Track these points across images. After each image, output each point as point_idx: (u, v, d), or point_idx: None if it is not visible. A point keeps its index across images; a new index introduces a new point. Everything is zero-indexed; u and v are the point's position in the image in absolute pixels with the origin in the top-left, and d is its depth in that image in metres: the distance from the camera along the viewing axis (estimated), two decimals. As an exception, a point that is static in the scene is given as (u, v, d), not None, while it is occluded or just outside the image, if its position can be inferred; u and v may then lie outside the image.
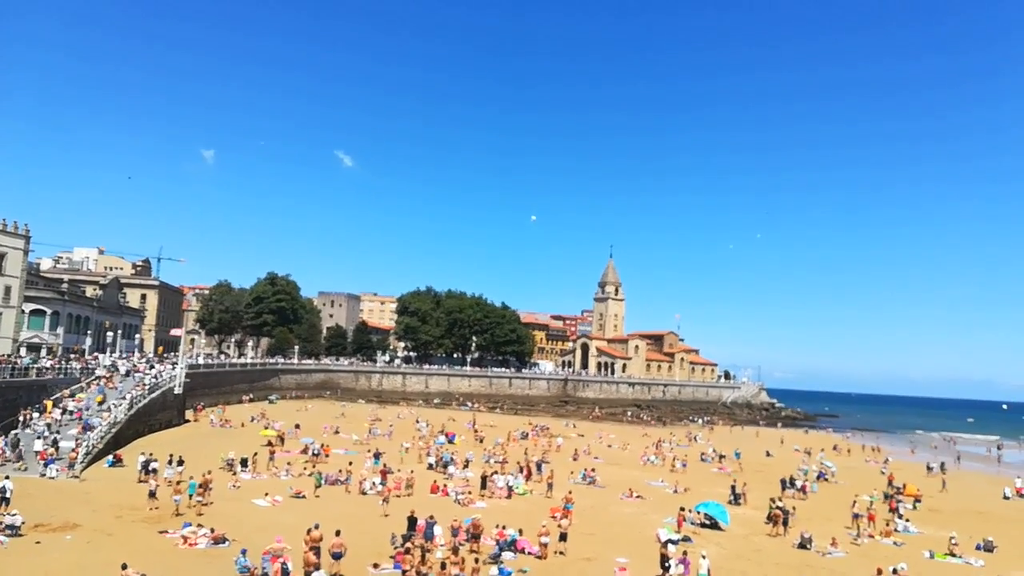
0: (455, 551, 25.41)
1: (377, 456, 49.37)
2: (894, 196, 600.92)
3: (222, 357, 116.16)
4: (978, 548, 34.59)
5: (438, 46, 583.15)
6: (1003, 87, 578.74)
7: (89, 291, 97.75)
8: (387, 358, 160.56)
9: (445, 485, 41.98)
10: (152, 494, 32.05)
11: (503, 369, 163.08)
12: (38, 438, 42.02)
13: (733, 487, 45.37)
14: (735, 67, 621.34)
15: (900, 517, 40.90)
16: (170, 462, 40.15)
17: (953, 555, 32.75)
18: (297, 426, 65.94)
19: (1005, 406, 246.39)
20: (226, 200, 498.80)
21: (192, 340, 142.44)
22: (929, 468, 66.25)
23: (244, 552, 23.86)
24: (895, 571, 24.94)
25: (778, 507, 36.93)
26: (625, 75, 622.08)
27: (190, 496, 32.71)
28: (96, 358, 69.99)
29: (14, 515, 27.14)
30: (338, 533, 24.35)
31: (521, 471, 47.54)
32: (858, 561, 30.56)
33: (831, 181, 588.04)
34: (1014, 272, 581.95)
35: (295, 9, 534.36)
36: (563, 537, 29.22)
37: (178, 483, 33.00)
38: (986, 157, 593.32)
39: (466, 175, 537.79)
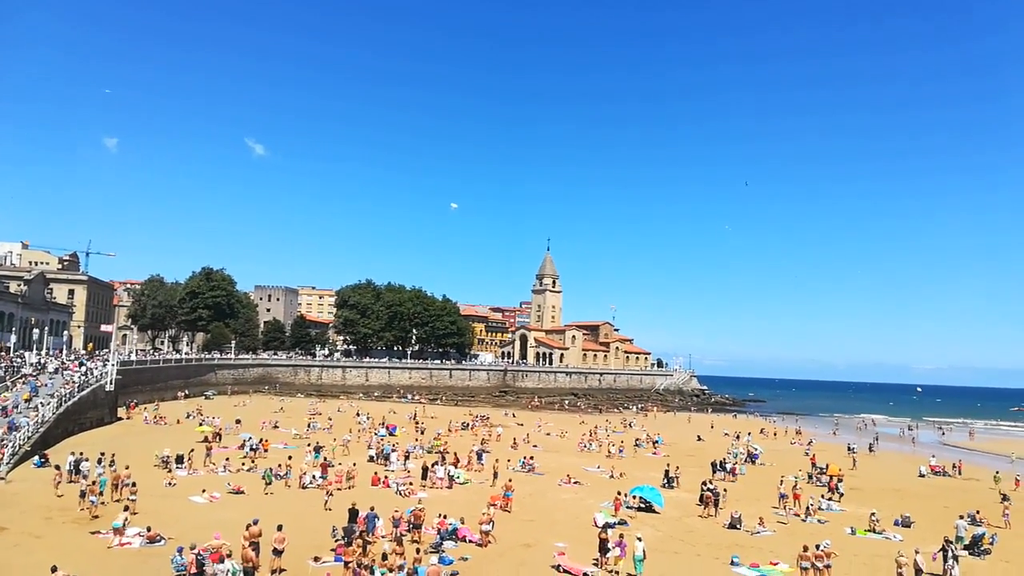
0: (398, 541, 25.73)
1: (317, 450, 49.13)
2: (815, 188, 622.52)
3: (156, 353, 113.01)
4: (896, 524, 36.56)
5: (368, 23, 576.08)
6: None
7: (13, 287, 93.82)
8: (326, 352, 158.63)
9: (386, 477, 42.13)
10: (83, 494, 31.28)
11: (443, 361, 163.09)
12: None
13: (667, 471, 46.85)
14: (668, 59, 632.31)
15: (839, 497, 43.05)
16: (100, 461, 39.22)
17: (874, 531, 34.56)
18: (238, 421, 64.95)
19: (919, 389, 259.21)
20: (155, 192, 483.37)
21: (124, 336, 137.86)
22: (850, 449, 69.40)
23: (180, 550, 23.57)
24: (819, 547, 26.27)
25: (709, 489, 38.39)
26: (562, 63, 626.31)
27: (100, 494, 31.76)
28: (22, 356, 67.43)
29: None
30: (280, 528, 24.31)
31: (458, 463, 47.86)
32: (785, 539, 31.96)
33: (755, 173, 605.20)
34: (928, 260, 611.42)
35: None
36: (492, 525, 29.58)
37: (92, 483, 32.18)
38: (900, 142, 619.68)
39: (404, 167, 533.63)
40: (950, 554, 26.64)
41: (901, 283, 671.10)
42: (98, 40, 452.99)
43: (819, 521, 36.75)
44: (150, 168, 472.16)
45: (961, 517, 34.28)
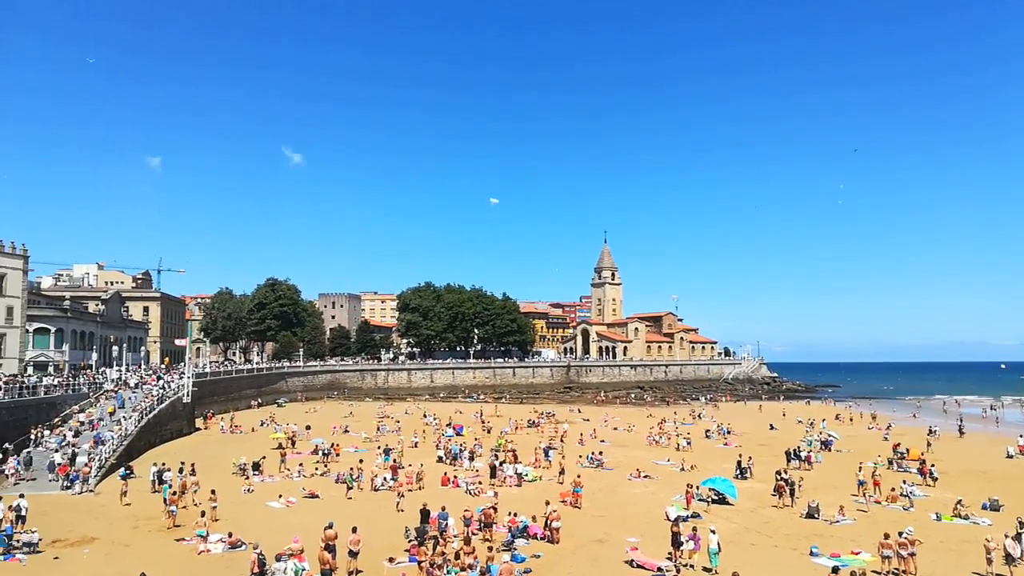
0: (468, 541, 25.88)
1: (387, 452, 49.89)
2: (886, 165, 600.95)
3: (228, 364, 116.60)
4: (984, 508, 35.05)
5: (417, 35, 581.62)
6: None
7: (91, 307, 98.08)
8: (391, 355, 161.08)
9: (455, 477, 42.48)
10: (167, 503, 32.49)
11: (506, 359, 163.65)
12: (56, 451, 42.52)
13: (739, 462, 45.92)
14: (726, 41, 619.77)
15: (933, 481, 41.69)
16: (181, 470, 40.62)
17: (960, 516, 33.21)
18: (308, 427, 66.48)
19: (1003, 366, 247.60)
20: (214, 208, 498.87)
21: (197, 349, 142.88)
22: (931, 431, 66.82)
23: (281, 557, 24.17)
24: (902, 534, 25.33)
25: (784, 479, 37.46)
26: (613, 53, 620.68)
27: (164, 501, 32.86)
28: (103, 372, 70.43)
29: (32, 532, 27.49)
30: (354, 530, 24.72)
31: (516, 460, 47.81)
32: (866, 527, 30.98)
33: (820, 152, 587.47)
34: (1005, 235, 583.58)
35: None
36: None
37: (172, 493, 33.33)
38: (977, 125, 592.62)
39: (458, 169, 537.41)
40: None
41: (976, 256, 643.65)
42: (131, 63, 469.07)
43: (903, 508, 35.47)
44: (197, 185, 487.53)
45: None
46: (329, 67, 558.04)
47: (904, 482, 40.70)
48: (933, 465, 44.25)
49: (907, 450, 51.50)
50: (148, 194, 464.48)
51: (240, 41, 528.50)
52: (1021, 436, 58.73)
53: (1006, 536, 25.22)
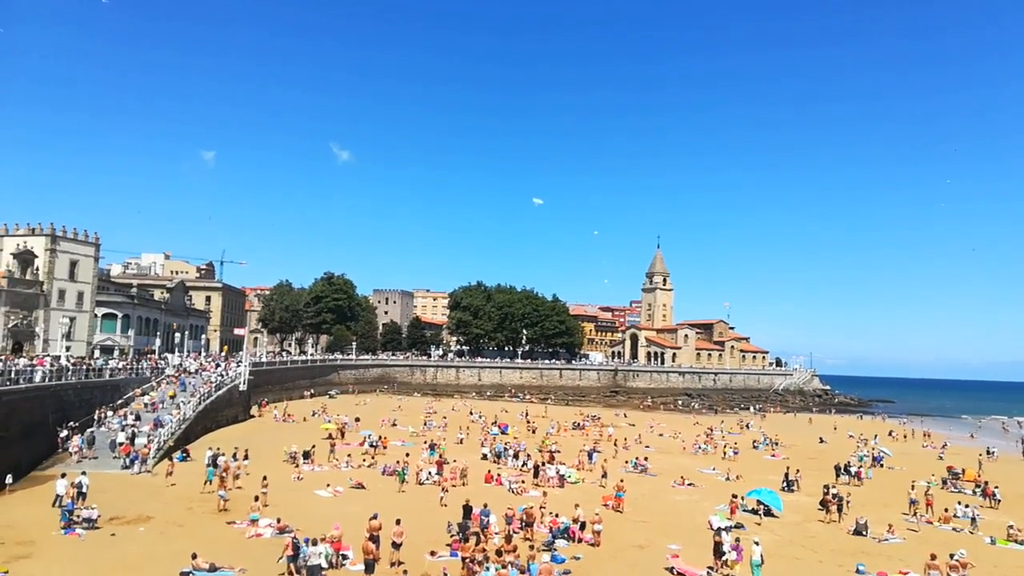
0: (509, 539, 26.19)
1: (432, 447, 50.58)
2: (943, 174, 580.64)
3: (284, 355, 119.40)
4: (1042, 533, 33.91)
5: (473, 36, 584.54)
6: None
7: (157, 295, 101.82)
8: (440, 352, 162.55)
9: (499, 475, 42.86)
10: (215, 485, 33.66)
11: (553, 361, 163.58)
12: (121, 430, 44.35)
13: (786, 474, 45.21)
14: (782, 41, 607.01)
15: (995, 503, 40.85)
16: (235, 456, 41.92)
17: (1016, 541, 32.21)
18: (357, 419, 67.76)
19: None
20: (278, 204, 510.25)
21: (255, 339, 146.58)
22: (989, 453, 64.68)
23: (307, 541, 24.98)
24: (953, 557, 24.72)
25: (832, 494, 36.81)
26: (672, 52, 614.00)
27: (207, 482, 34.83)
28: (165, 358, 73.02)
29: (91, 509, 28.73)
30: (398, 522, 25.25)
31: (552, 460, 48.06)
32: (915, 547, 30.27)
33: (878, 162, 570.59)
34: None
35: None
36: (582, 526, 29.56)
37: (221, 479, 34.53)
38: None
39: (514, 168, 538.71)
40: None
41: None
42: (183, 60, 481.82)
43: (954, 529, 34.55)
44: (257, 180, 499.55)
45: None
46: (382, 66, 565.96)
47: (959, 503, 39.57)
48: (997, 487, 42.96)
49: (962, 470, 49.96)
50: (209, 187, 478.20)
51: (291, 38, 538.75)
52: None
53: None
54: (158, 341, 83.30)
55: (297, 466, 43.56)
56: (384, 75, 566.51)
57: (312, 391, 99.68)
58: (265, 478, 34.55)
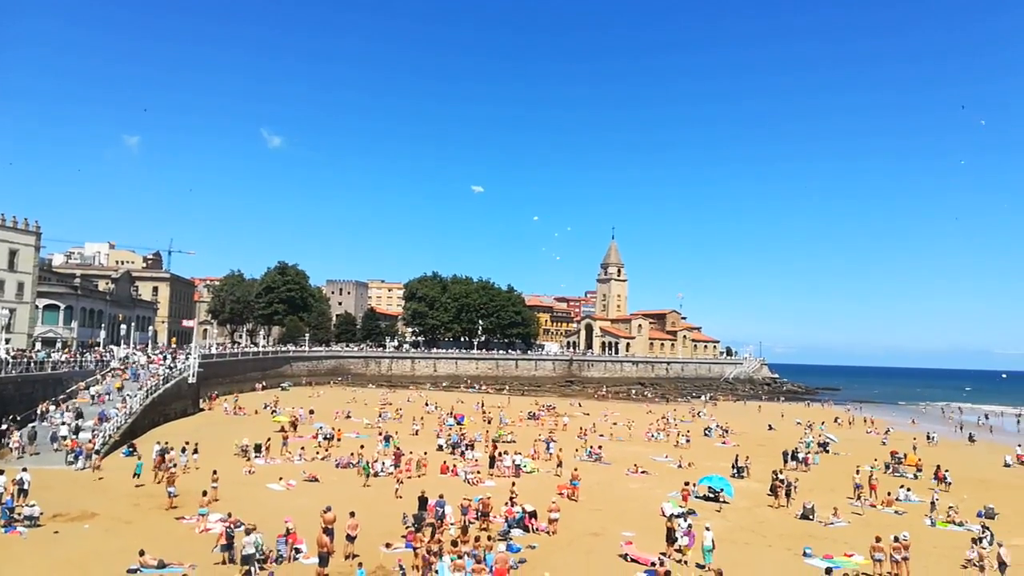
0: (465, 529, 26.17)
1: (388, 439, 50.29)
2: (891, 169, 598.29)
3: (234, 347, 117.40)
4: (979, 515, 35.04)
5: (432, 27, 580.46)
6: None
7: (101, 285, 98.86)
8: (396, 343, 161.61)
9: (455, 465, 42.83)
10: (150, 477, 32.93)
11: (509, 351, 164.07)
12: (63, 424, 43.03)
13: (736, 461, 46.14)
14: (734, 39, 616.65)
15: (946, 487, 42.30)
16: (184, 450, 41.06)
17: (954, 523, 33.37)
18: (311, 411, 66.93)
19: (1004, 375, 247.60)
20: (232, 191, 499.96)
21: (204, 331, 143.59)
22: (929, 438, 67.01)
23: (241, 529, 24.56)
24: (896, 539, 25.52)
25: (780, 479, 37.67)
26: (626, 48, 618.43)
27: (135, 475, 34.63)
28: (111, 350, 71.05)
29: (32, 506, 27.78)
30: (352, 515, 25.03)
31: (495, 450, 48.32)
32: (860, 530, 31.11)
33: (827, 154, 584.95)
34: (1010, 243, 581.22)
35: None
36: (534, 515, 29.74)
37: (171, 473, 33.55)
38: (978, 131, 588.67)
39: (469, 158, 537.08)
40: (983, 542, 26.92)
41: (981, 263, 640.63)
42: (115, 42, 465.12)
43: (896, 512, 35.68)
44: (182, 164, 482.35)
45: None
46: (343, 55, 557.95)
47: (902, 487, 40.88)
48: (947, 471, 44.55)
49: (904, 455, 51.67)
50: (135, 173, 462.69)
51: (221, 24, 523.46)
52: (1020, 445, 58.82)
53: (999, 544, 25.41)
54: (103, 333, 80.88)
55: (249, 460, 42.90)
56: (323, 60, 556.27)
57: (264, 383, 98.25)
58: (215, 472, 33.95)
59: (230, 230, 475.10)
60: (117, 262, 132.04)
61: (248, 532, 23.27)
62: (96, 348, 71.54)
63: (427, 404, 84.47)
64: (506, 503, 30.81)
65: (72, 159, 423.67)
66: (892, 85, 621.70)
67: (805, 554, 27.10)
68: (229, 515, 28.08)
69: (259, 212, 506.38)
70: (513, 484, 35.06)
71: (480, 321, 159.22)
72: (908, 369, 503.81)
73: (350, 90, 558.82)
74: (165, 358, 69.94)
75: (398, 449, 45.19)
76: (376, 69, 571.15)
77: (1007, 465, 53.88)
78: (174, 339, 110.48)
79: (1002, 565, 24.37)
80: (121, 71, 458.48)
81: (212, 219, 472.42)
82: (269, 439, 47.10)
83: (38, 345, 72.00)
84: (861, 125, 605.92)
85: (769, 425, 77.09)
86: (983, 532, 28.38)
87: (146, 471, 36.23)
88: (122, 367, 62.11)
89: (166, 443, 41.27)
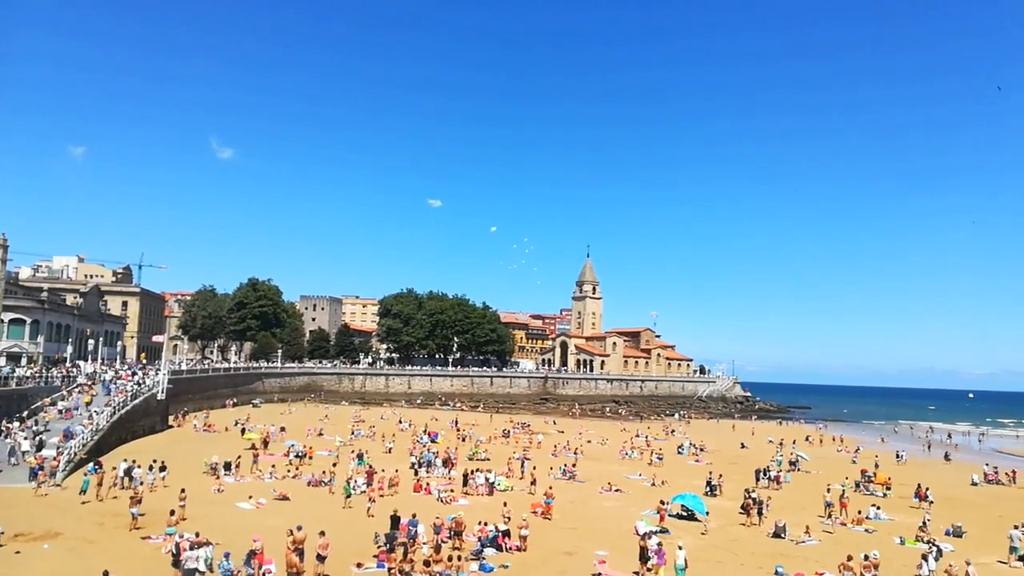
0: (438, 549, 25.98)
1: (361, 457, 49.81)
2: (864, 192, 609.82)
3: (205, 363, 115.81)
4: (947, 533, 35.53)
5: (420, 37, 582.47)
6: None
7: (69, 299, 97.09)
8: (370, 360, 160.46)
9: (428, 484, 42.52)
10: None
11: (484, 368, 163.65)
12: (25, 438, 42.06)
13: (709, 479, 46.35)
14: (710, 60, 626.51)
15: (927, 502, 43.08)
16: (151, 468, 40.31)
17: (923, 541, 33.70)
18: (283, 429, 66.14)
19: (971, 395, 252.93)
20: (207, 205, 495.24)
21: (175, 346, 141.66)
22: (898, 456, 67.92)
23: (227, 556, 24.11)
24: (866, 557, 25.76)
25: (752, 498, 37.89)
26: (602, 66, 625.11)
27: (82, 492, 34.11)
28: (77, 366, 69.75)
29: (-8, 525, 27.07)
30: (322, 534, 24.64)
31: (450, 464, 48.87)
32: (831, 548, 31.36)
33: (798, 174, 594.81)
34: (978, 265, 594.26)
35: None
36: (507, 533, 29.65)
37: (134, 492, 32.78)
38: (945, 153, 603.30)
39: (442, 175, 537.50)
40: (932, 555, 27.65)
41: (948, 285, 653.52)
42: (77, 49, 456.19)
43: (867, 531, 36.01)
44: (129, 176, 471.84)
45: (1016, 527, 33.19)
46: (306, 65, 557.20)
47: (873, 506, 41.24)
48: (928, 488, 45.34)
49: (874, 473, 52.25)
50: (81, 185, 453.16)
51: (174, 30, 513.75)
52: (987, 465, 59.78)
53: (967, 563, 25.75)
54: (70, 348, 79.42)
55: (218, 478, 42.20)
56: (274, 71, 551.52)
57: (235, 400, 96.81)
58: (183, 490, 33.30)
59: (202, 245, 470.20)
60: (86, 276, 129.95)
61: (194, 547, 23.11)
62: (63, 364, 70.20)
63: (400, 421, 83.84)
64: (478, 522, 30.64)
65: (18, 170, 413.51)
66: (856, 102, 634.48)
67: (777, 573, 27.16)
68: (196, 534, 27.63)
69: (228, 227, 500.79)
70: (505, 504, 34.74)
71: (455, 338, 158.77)
72: (879, 388, 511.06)
73: (302, 101, 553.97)
74: (134, 373, 68.83)
75: (371, 467, 44.81)
76: (350, 81, 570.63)
77: (974, 483, 54.69)
78: (144, 354, 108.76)
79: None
80: (62, 78, 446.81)
81: (183, 234, 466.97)
82: (239, 457, 46.42)
83: (2, 360, 70.47)
84: (832, 144, 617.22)
85: (742, 443, 77.63)
86: (931, 548, 28.88)
87: (93, 487, 35.20)
88: (89, 383, 61.04)
89: (133, 461, 40.47)
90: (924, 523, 35.83)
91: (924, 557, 27.25)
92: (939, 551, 28.86)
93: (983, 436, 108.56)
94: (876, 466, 57.46)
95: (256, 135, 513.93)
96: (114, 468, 38.87)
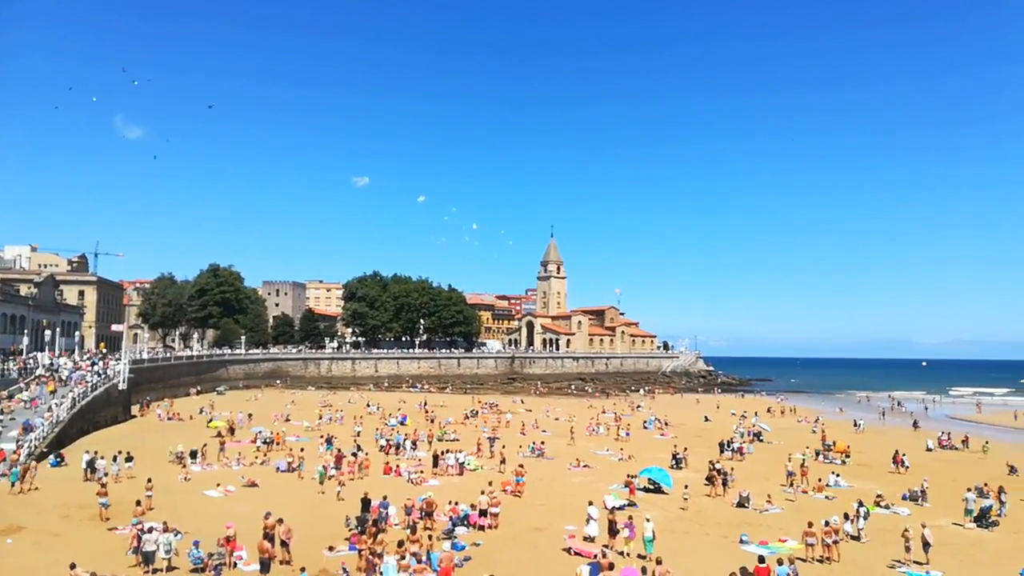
0: (414, 530, 26.13)
1: (329, 441, 49.69)
2: (816, 162, 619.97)
3: (167, 351, 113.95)
4: (904, 498, 36.81)
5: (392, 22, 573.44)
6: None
7: (23, 290, 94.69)
8: (336, 344, 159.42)
9: (398, 466, 42.63)
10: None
11: (451, 350, 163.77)
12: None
13: (675, 452, 47.20)
14: (676, 40, 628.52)
15: (903, 467, 45.14)
16: (115, 458, 39.71)
17: (881, 506, 34.86)
18: (249, 415, 65.58)
19: (924, 363, 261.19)
20: (161, 191, 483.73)
21: (135, 335, 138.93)
22: (856, 425, 69.86)
23: (196, 544, 24.00)
24: (827, 523, 26.56)
25: (716, 469, 38.73)
26: (564, 47, 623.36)
27: (12, 484, 33.60)
28: (35, 357, 68.16)
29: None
30: (280, 521, 24.41)
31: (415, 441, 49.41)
32: (794, 516, 32.22)
33: (757, 152, 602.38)
34: (928, 233, 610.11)
35: None
36: (482, 512, 29.95)
37: (102, 485, 32.15)
38: (901, 129, 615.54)
39: (406, 156, 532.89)
40: (861, 515, 29.47)
41: (902, 256, 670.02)
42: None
43: (827, 498, 37.04)
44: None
45: (969, 490, 34.50)
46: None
47: (833, 473, 42.46)
48: (905, 455, 46.95)
49: (833, 442, 53.68)
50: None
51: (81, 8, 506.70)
52: (942, 432, 61.79)
53: (923, 526, 26.75)
54: (26, 340, 77.52)
55: (184, 466, 41.74)
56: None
57: (199, 388, 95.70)
58: (149, 480, 32.94)
59: (160, 232, 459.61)
60: (40, 265, 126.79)
61: (151, 531, 23.40)
62: (19, 356, 68.55)
63: (368, 405, 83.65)
64: (449, 502, 30.86)
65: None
66: (823, 80, 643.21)
67: (741, 541, 27.95)
68: (164, 524, 27.40)
69: (187, 214, 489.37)
70: (490, 483, 34.89)
71: (421, 320, 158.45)
72: (838, 359, 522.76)
73: (257, 82, 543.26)
74: (93, 364, 67.51)
75: (339, 451, 44.74)
76: (318, 64, 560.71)
77: (929, 449, 56.52)
78: (103, 344, 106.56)
79: (926, 545, 25.67)
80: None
81: (140, 221, 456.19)
82: (205, 445, 46.00)
83: (-45, 353, 68.57)
84: (798, 123, 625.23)
85: (705, 416, 79.03)
86: (859, 508, 30.08)
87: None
88: (48, 374, 59.75)
89: (95, 452, 39.86)
90: (923, 490, 37.00)
91: (846, 516, 28.59)
92: (867, 511, 30.21)
93: (935, 403, 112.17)
94: (824, 438, 58.90)
95: (208, 120, 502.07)
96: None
